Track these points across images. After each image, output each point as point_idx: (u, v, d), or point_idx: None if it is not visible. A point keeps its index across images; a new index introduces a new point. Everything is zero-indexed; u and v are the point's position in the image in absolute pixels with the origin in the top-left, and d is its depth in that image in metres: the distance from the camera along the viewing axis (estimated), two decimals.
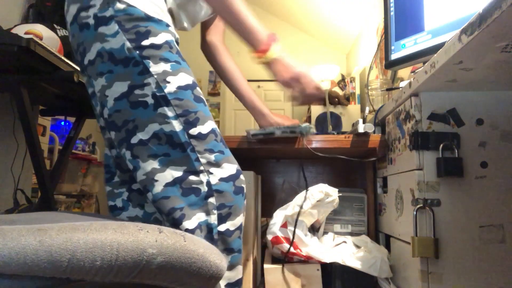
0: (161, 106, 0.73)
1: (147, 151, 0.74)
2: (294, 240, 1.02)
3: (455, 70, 0.72)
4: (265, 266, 1.02)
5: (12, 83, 1.39)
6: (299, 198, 1.07)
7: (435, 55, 0.73)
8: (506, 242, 0.78)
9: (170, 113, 0.74)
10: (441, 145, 0.82)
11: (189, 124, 0.75)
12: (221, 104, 5.18)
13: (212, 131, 0.77)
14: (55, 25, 1.64)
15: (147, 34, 0.75)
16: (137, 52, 0.74)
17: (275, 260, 1.07)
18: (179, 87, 0.75)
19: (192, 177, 0.73)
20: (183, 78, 0.76)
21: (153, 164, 0.73)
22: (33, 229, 0.35)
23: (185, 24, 0.95)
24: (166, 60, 0.75)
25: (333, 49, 5.21)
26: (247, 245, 1.05)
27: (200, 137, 0.75)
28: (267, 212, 1.40)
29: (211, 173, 0.74)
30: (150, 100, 0.74)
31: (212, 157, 0.75)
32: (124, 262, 0.36)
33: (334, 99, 3.90)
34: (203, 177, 0.74)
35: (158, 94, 0.73)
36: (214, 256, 0.46)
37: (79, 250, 0.35)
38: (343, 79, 4.28)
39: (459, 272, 0.79)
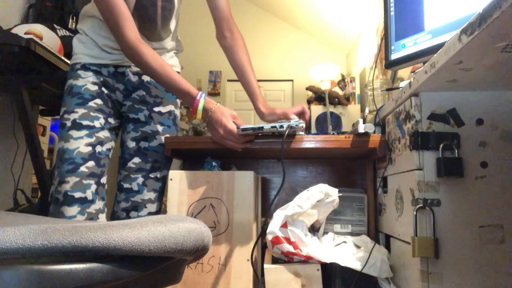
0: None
1: None
2: (294, 240, 1.02)
3: (455, 70, 0.72)
4: (265, 266, 1.02)
5: (12, 83, 1.40)
6: (299, 198, 1.07)
7: (435, 55, 0.73)
8: (506, 242, 0.78)
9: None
10: (441, 145, 0.82)
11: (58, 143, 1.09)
12: (221, 104, 5.18)
13: (58, 151, 1.07)
14: (55, 25, 1.64)
15: (66, 80, 1.16)
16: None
17: (275, 260, 1.07)
18: (60, 115, 1.12)
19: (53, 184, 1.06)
20: (61, 110, 1.11)
21: None
22: (156, 221, 0.45)
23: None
24: (64, 97, 1.13)
25: (333, 49, 5.21)
26: (247, 245, 1.05)
27: (56, 154, 1.08)
28: (267, 212, 1.40)
29: (53, 184, 1.05)
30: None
31: (55, 172, 1.06)
32: (197, 243, 0.49)
33: (334, 99, 3.90)
34: (52, 186, 1.06)
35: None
36: None
37: (186, 235, 0.47)
38: (343, 79, 4.28)
39: (459, 272, 0.79)
